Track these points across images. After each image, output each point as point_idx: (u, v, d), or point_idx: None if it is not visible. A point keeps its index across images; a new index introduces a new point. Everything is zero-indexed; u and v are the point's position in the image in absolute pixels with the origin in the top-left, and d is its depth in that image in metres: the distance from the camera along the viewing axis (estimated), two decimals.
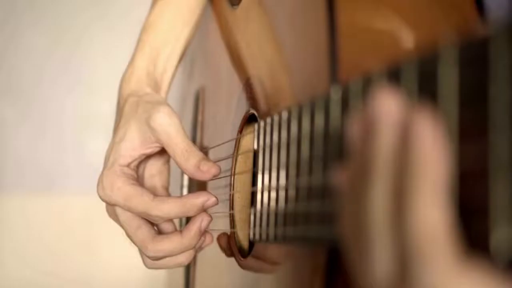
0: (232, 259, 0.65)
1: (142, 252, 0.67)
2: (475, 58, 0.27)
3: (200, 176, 0.64)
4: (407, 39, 0.46)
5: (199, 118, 0.86)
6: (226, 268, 0.68)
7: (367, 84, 0.36)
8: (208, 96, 0.84)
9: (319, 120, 0.42)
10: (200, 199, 0.63)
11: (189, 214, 0.64)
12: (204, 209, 0.64)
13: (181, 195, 0.65)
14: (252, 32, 0.66)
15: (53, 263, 1.28)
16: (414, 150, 0.29)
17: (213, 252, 0.72)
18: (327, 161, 0.41)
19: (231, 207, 0.67)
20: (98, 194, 0.65)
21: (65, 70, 1.32)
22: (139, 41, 0.73)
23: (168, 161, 0.70)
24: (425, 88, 0.30)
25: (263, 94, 0.60)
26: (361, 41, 0.46)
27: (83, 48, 1.33)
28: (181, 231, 0.65)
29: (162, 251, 0.64)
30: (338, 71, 0.45)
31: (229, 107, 0.71)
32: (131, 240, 0.66)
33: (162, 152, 0.68)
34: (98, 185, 0.65)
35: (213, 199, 0.63)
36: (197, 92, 0.89)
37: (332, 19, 0.46)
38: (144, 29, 0.74)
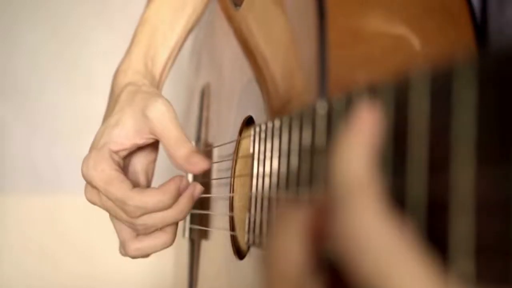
0: (233, 259, 0.66)
1: (122, 238, 0.66)
2: (442, 90, 0.27)
3: (188, 168, 0.64)
4: (397, 53, 0.46)
5: (204, 115, 0.86)
6: (226, 268, 0.69)
7: (348, 103, 0.36)
8: (212, 93, 0.84)
9: (307, 133, 0.42)
10: (174, 182, 0.63)
11: (168, 203, 0.63)
12: (180, 193, 0.64)
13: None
14: (261, 31, 0.66)
15: (50, 265, 1.27)
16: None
17: (214, 253, 0.73)
18: (313, 175, 0.41)
19: (231, 208, 0.67)
20: (82, 172, 0.64)
21: (60, 69, 1.31)
22: (135, 35, 0.73)
23: (154, 161, 0.70)
24: (399, 115, 0.31)
25: (274, 95, 0.60)
26: (351, 53, 0.46)
27: (79, 46, 1.32)
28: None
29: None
30: (327, 82, 0.45)
31: (230, 106, 0.71)
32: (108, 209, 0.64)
33: (150, 149, 0.68)
34: (83, 163, 0.64)
35: (184, 182, 0.64)
36: (203, 88, 0.89)
37: (323, 29, 0.46)
38: (140, 24, 0.73)
